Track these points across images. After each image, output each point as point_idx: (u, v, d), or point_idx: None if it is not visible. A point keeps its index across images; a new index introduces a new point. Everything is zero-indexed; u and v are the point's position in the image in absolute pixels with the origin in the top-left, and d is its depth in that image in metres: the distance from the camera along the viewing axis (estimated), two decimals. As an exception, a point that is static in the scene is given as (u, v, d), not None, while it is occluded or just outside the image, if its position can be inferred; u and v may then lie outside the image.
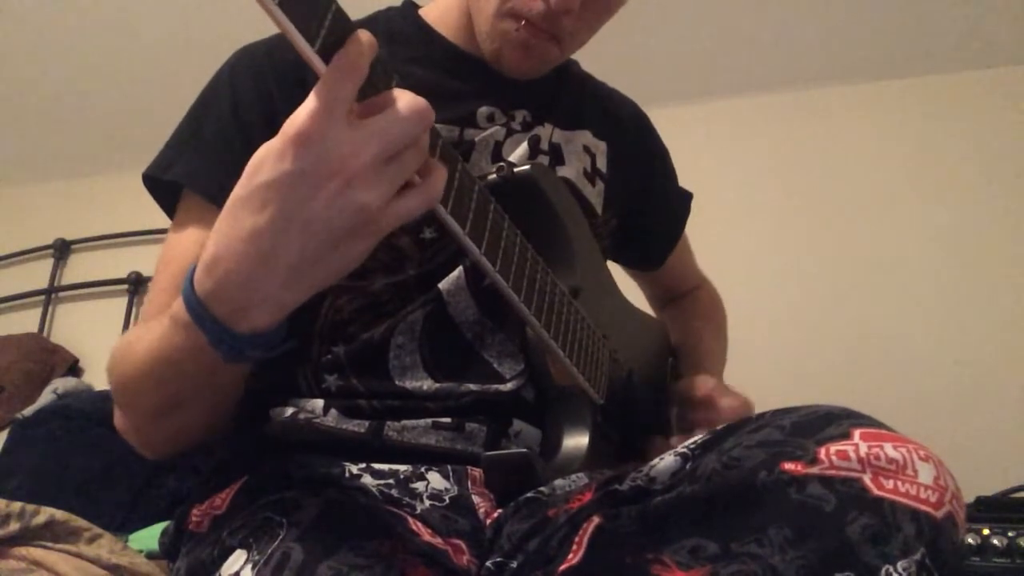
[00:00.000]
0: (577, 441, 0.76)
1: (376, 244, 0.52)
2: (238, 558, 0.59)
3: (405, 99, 0.50)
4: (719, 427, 0.60)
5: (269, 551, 0.56)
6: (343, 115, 0.48)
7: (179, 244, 0.74)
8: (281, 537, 0.57)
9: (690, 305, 1.14)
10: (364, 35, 0.49)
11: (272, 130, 0.50)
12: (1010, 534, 1.20)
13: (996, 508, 1.26)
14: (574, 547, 0.56)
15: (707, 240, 1.22)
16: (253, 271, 0.50)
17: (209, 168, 0.73)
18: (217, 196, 0.70)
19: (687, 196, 1.10)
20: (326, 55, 0.47)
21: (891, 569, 0.47)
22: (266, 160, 0.49)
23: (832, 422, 0.54)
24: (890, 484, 0.49)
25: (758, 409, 0.60)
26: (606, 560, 0.54)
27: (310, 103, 0.47)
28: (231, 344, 0.54)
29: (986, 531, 1.21)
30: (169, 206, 0.78)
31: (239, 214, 0.50)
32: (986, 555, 1.20)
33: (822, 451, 0.51)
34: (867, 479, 0.50)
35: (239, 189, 0.51)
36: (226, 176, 0.69)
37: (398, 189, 0.50)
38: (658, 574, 0.50)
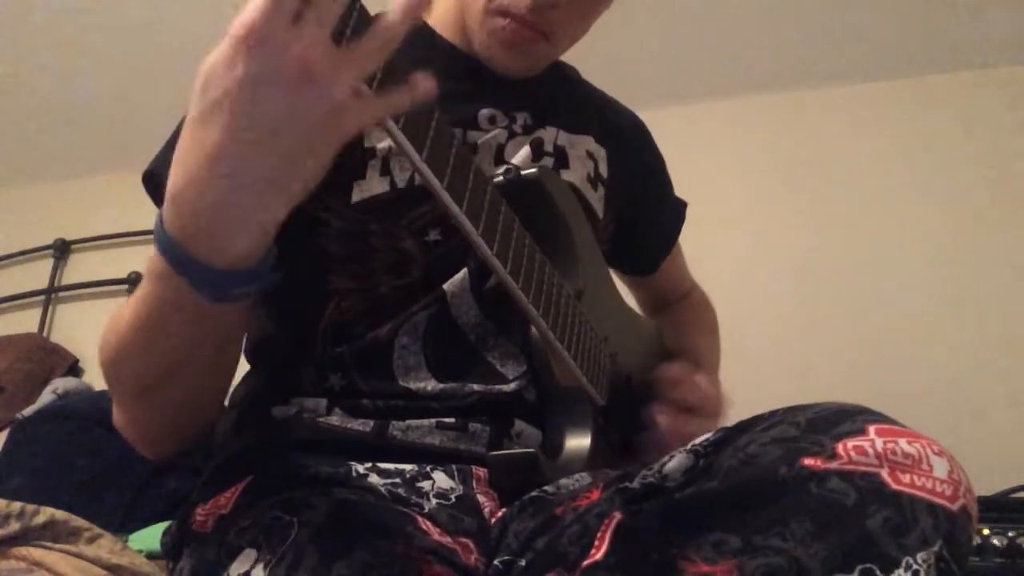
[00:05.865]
0: (579, 442, 0.76)
1: (343, 143, 0.48)
2: (248, 558, 0.58)
3: None
4: (729, 425, 0.61)
5: (281, 551, 0.56)
6: (291, 10, 0.44)
7: None
8: (292, 537, 0.57)
9: (683, 310, 1.15)
10: None
11: None
12: (1010, 534, 1.20)
13: (996, 508, 1.26)
14: (596, 543, 0.56)
15: (706, 240, 1.22)
16: (223, 193, 0.47)
17: None
18: None
19: (682, 205, 1.10)
20: None
21: (911, 560, 0.48)
22: (215, 70, 0.45)
23: (846, 418, 0.55)
24: (907, 478, 0.50)
25: (759, 409, 0.61)
26: (631, 555, 0.54)
27: (255, 2, 0.44)
28: (214, 282, 0.51)
29: (986, 531, 1.21)
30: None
31: (197, 134, 0.47)
32: (986, 555, 1.20)
33: (840, 447, 0.52)
34: (885, 474, 0.51)
35: (192, 109, 0.46)
36: None
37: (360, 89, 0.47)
38: (685, 569, 0.51)
